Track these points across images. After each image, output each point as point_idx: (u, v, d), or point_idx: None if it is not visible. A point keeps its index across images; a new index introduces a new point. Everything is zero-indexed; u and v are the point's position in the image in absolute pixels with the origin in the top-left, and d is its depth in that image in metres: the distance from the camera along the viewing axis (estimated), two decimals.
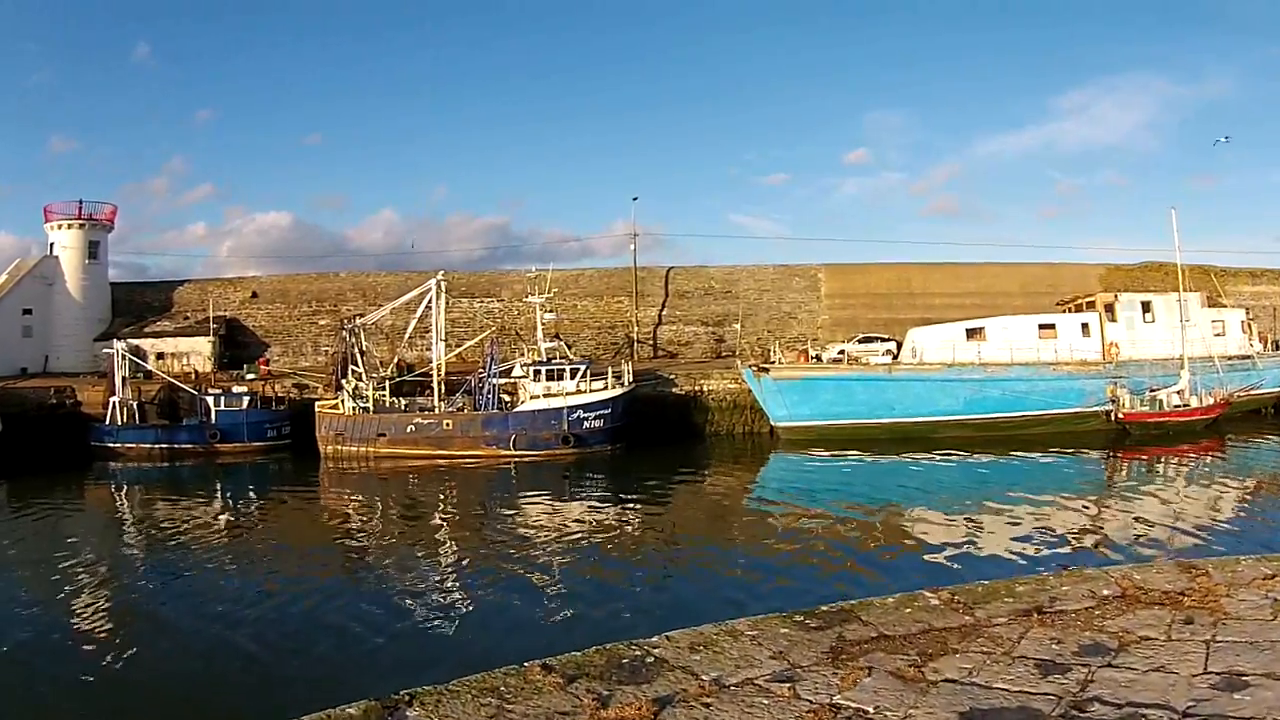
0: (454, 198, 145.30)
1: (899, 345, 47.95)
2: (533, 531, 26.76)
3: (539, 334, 41.50)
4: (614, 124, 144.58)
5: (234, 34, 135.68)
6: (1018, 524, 25.73)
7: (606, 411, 38.98)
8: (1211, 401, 41.27)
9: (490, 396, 39.11)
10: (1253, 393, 44.41)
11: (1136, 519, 26.23)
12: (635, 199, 56.98)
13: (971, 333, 42.84)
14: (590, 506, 30.57)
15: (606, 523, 27.87)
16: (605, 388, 39.38)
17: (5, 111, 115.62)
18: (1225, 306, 49.18)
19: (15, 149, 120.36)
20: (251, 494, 34.99)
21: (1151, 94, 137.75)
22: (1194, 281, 47.30)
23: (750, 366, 41.66)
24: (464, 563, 23.36)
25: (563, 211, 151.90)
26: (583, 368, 39.66)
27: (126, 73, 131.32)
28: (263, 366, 49.26)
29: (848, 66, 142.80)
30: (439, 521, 29.35)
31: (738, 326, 46.33)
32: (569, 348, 43.18)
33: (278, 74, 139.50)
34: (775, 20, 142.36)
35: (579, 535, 25.94)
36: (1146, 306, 44.61)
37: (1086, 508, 29.08)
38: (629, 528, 27.40)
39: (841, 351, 46.70)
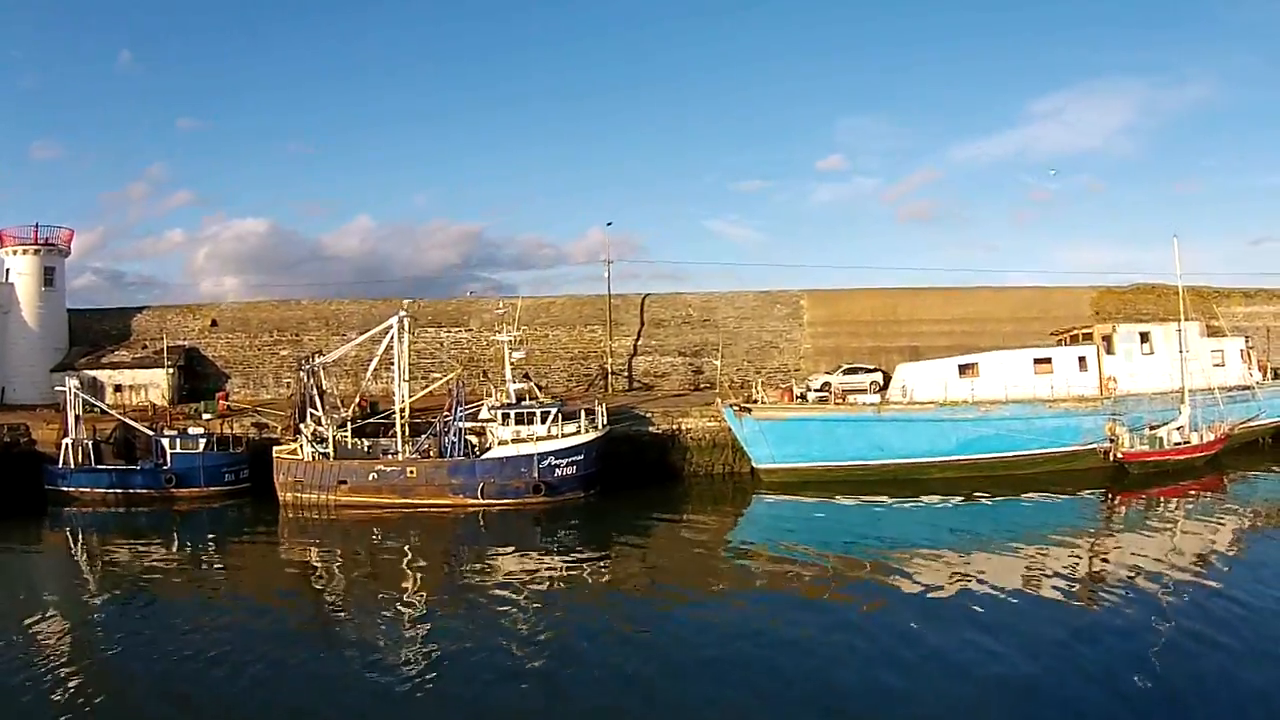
0: (431, 205, 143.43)
1: (885, 375, 46.61)
2: (501, 590, 25.69)
3: (508, 374, 39.36)
4: (586, 129, 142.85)
5: (215, 42, 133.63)
6: (1021, 579, 24.92)
7: (579, 458, 36.97)
8: (1212, 437, 40.05)
9: (456, 441, 37.08)
10: (1253, 424, 43.02)
11: (1151, 572, 25.16)
12: (609, 224, 55.05)
13: (964, 369, 41.08)
14: (561, 562, 29.30)
15: (579, 581, 26.93)
16: (578, 431, 37.34)
17: None
18: (1223, 333, 47.75)
19: None
20: (209, 547, 33.39)
21: (1129, 98, 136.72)
22: (1189, 303, 45.96)
23: (731, 406, 39.69)
24: (430, 625, 22.32)
25: (537, 216, 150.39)
26: (554, 410, 37.55)
27: (108, 79, 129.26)
28: (221, 401, 47.11)
29: (821, 71, 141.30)
30: (404, 578, 28.07)
31: (718, 363, 44.28)
32: (539, 388, 41.14)
33: (257, 81, 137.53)
34: (747, 24, 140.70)
35: (550, 596, 24.99)
36: (1145, 337, 43.08)
37: (1086, 556, 28.53)
38: (603, 586, 26.50)
39: (826, 384, 45.28)
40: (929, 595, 23.60)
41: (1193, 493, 36.41)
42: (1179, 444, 39.30)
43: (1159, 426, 39.76)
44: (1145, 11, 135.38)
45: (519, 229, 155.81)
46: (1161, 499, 35.74)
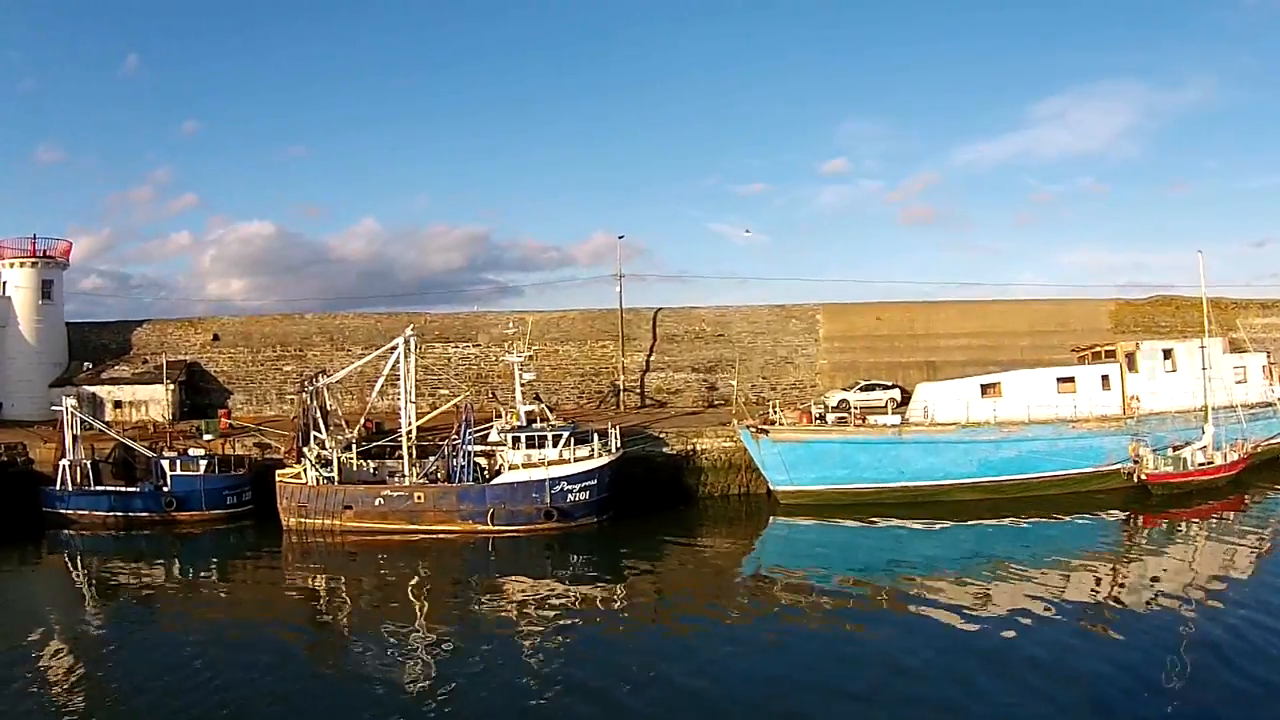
0: (434, 208, 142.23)
1: (903, 391, 46.00)
2: (512, 620, 25.09)
3: (518, 396, 38.28)
4: (587, 131, 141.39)
5: (217, 45, 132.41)
6: (1055, 607, 24.61)
7: (593, 483, 35.84)
8: (1235, 457, 39.44)
9: (465, 464, 36.01)
10: (1274, 442, 42.43)
11: (1192, 595, 25.17)
12: (621, 237, 53.97)
13: (986, 388, 40.15)
14: (575, 590, 28.46)
15: (594, 610, 26.18)
16: (591, 454, 36.21)
17: None
18: (1245, 346, 46.93)
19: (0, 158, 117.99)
20: (210, 572, 32.90)
21: (1131, 100, 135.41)
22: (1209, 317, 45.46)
23: (748, 427, 38.66)
24: (438, 654, 21.99)
25: (541, 220, 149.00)
26: (565, 434, 36.39)
27: (112, 83, 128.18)
28: (224, 419, 46.02)
29: (822, 74, 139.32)
30: (411, 606, 27.41)
31: (734, 383, 43.06)
32: (550, 410, 39.93)
33: (259, 84, 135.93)
34: (747, 27, 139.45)
35: (563, 626, 24.10)
36: (1168, 354, 42.20)
37: (1120, 581, 28.46)
38: (619, 616, 26.04)
39: (842, 401, 44.45)
40: (959, 623, 23.28)
41: (1217, 514, 36.02)
42: (1203, 464, 38.64)
43: (1182, 447, 39.12)
44: (1143, 13, 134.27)
45: (523, 232, 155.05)
46: (1187, 520, 35.35)
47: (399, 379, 38.63)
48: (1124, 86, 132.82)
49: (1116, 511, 36.56)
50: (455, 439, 36.58)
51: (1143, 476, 38.29)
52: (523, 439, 36.27)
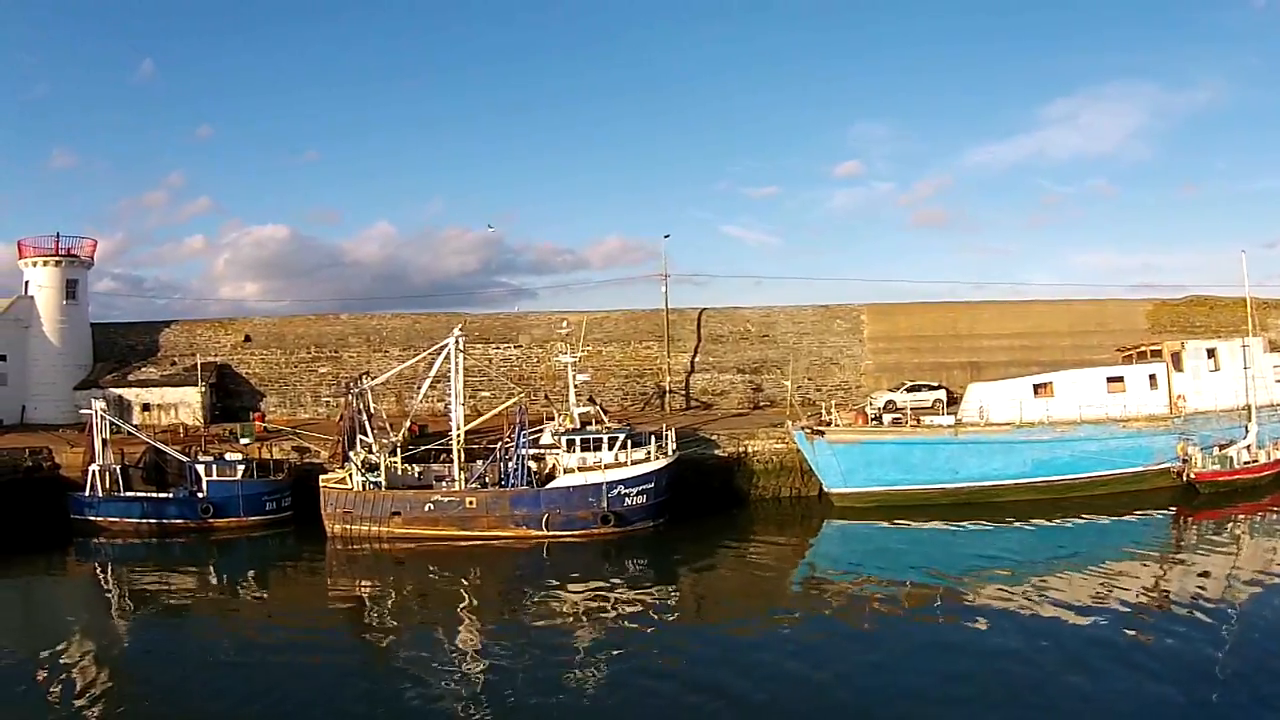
0: (448, 211, 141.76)
1: (948, 392, 45.58)
2: (571, 629, 24.18)
3: (572, 398, 37.40)
4: (600, 135, 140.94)
5: (231, 49, 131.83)
6: (1127, 610, 24.08)
7: (650, 486, 35.07)
8: (1278, 455, 39.69)
9: (519, 469, 35.07)
10: None
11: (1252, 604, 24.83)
12: (667, 236, 54.16)
13: (1038, 388, 39.79)
14: (635, 598, 27.65)
15: (655, 618, 25.48)
16: (647, 457, 35.43)
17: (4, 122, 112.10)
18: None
19: (15, 163, 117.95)
20: (250, 580, 31.92)
21: (1139, 102, 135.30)
22: (1237, 315, 45.92)
23: (803, 429, 38.05)
24: (492, 663, 21.17)
25: (553, 223, 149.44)
26: (621, 436, 35.63)
27: (125, 88, 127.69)
28: (258, 423, 44.99)
29: (833, 77, 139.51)
30: (463, 614, 26.32)
31: (787, 383, 42.17)
32: (604, 412, 39.06)
33: (273, 88, 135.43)
34: (760, 32, 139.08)
35: (625, 636, 23.40)
36: (1211, 354, 42.08)
37: (1189, 575, 28.35)
38: (685, 624, 25.13)
39: (889, 402, 44.32)
40: (1054, 617, 23.21)
41: (1265, 511, 36.49)
42: (1248, 463, 38.93)
43: (1227, 445, 39.30)
44: (1150, 14, 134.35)
45: (536, 235, 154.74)
46: (1238, 518, 35.68)
47: (439, 380, 37.71)
48: (1134, 88, 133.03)
49: (1167, 510, 36.72)
50: (508, 442, 35.66)
51: (1191, 475, 38.35)
52: (578, 442, 35.45)
